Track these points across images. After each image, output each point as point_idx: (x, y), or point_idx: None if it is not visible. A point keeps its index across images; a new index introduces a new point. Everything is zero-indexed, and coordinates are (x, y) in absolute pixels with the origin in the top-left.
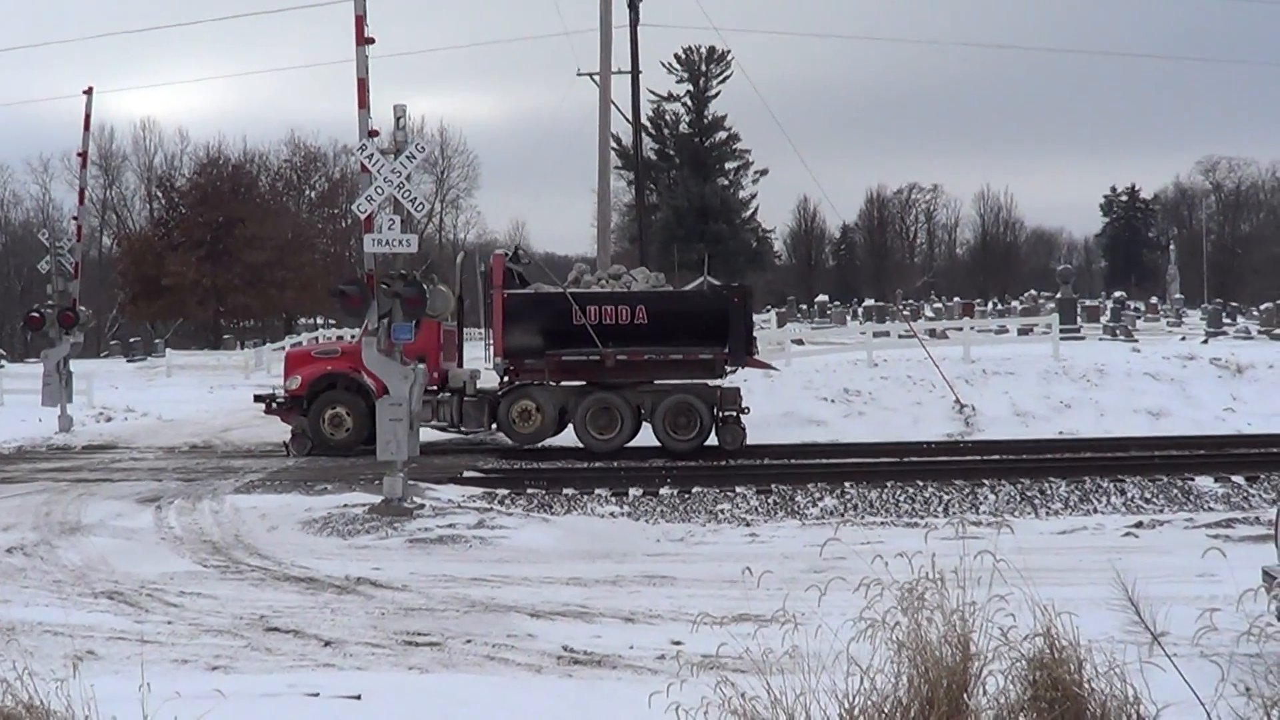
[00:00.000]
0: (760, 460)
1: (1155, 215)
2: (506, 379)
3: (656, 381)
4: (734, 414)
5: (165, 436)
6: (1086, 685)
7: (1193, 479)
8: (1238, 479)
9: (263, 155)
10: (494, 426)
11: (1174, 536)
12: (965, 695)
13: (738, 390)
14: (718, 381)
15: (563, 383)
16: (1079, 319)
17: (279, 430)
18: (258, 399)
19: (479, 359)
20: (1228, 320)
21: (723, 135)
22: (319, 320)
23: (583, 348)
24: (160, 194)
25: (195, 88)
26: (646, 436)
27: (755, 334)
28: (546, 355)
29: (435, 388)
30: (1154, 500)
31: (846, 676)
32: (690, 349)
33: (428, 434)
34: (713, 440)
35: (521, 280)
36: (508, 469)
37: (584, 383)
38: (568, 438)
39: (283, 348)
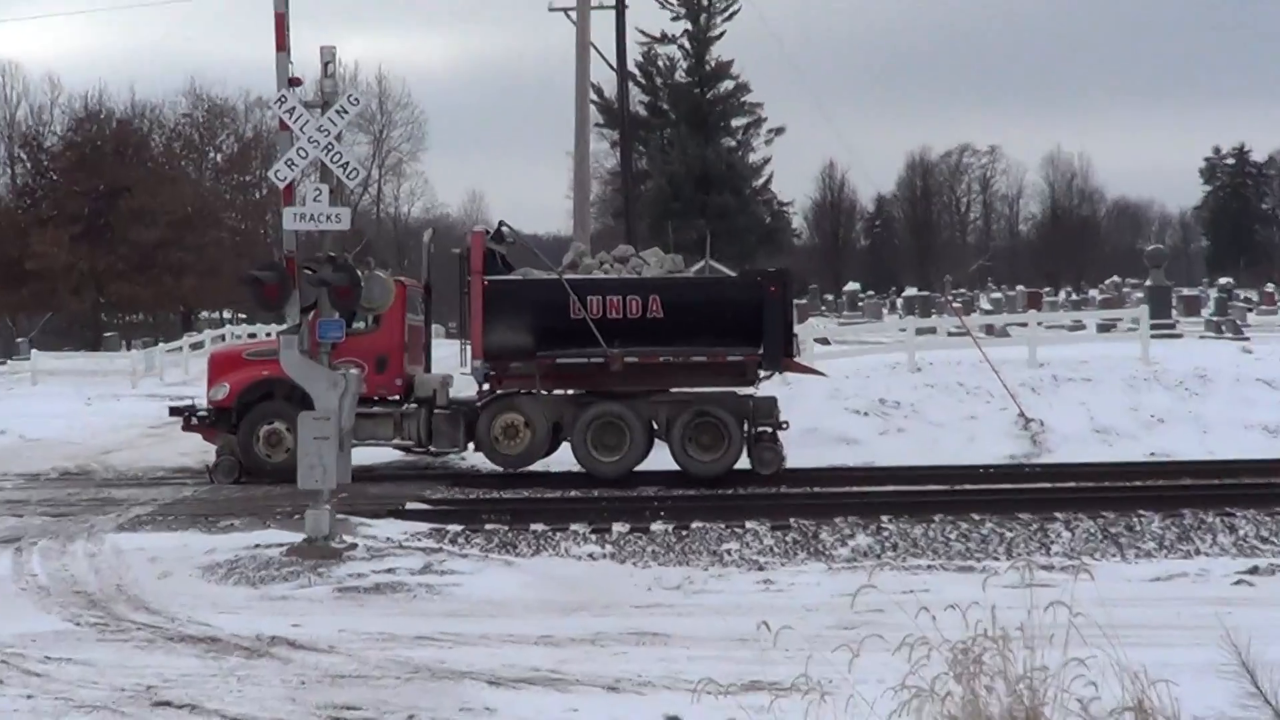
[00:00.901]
0: (776, 488)
1: (1270, 182)
2: (487, 387)
3: (673, 389)
4: (770, 430)
5: (29, 460)
6: None
7: None
8: None
9: (155, 109)
10: (471, 445)
11: None
12: None
13: (774, 400)
14: (749, 390)
15: (557, 391)
16: (1174, 312)
17: (175, 450)
18: (175, 411)
19: (449, 360)
20: None
21: (729, 85)
22: (226, 315)
23: (583, 347)
24: (24, 156)
25: (69, 23)
26: (659, 459)
27: (795, 331)
28: (538, 357)
29: (397, 398)
30: (1273, 540)
31: None
32: (716, 349)
33: (372, 455)
34: (742, 462)
35: (505, 264)
36: (461, 499)
37: (583, 391)
38: (558, 459)
39: (179, 348)
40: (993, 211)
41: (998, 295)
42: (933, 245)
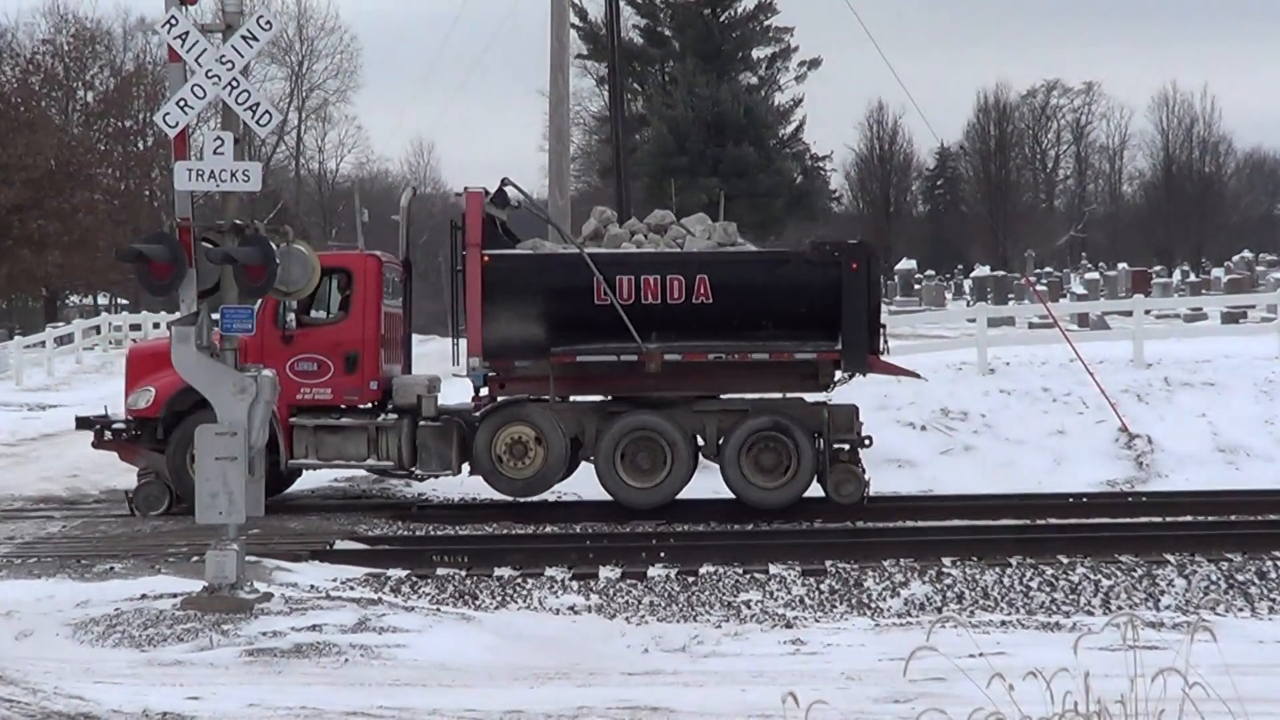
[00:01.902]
0: (807, 522)
1: None
2: (485, 392)
3: (724, 395)
4: (849, 447)
5: None
6: None
7: None
8: None
9: (6, 33)
10: (465, 466)
11: None
12: None
13: (854, 410)
14: (821, 396)
15: (576, 398)
16: None
17: (37, 473)
18: (83, 424)
19: (428, 357)
20: None
21: (748, 5)
22: (102, 300)
23: (610, 342)
24: None
25: None
26: (703, 484)
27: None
28: (552, 354)
29: (369, 405)
30: None
31: None
32: (782, 344)
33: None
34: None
35: (508, 234)
36: (406, 537)
37: (609, 397)
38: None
39: (41, 343)
40: (1088, 168)
41: (1094, 276)
42: (1009, 211)
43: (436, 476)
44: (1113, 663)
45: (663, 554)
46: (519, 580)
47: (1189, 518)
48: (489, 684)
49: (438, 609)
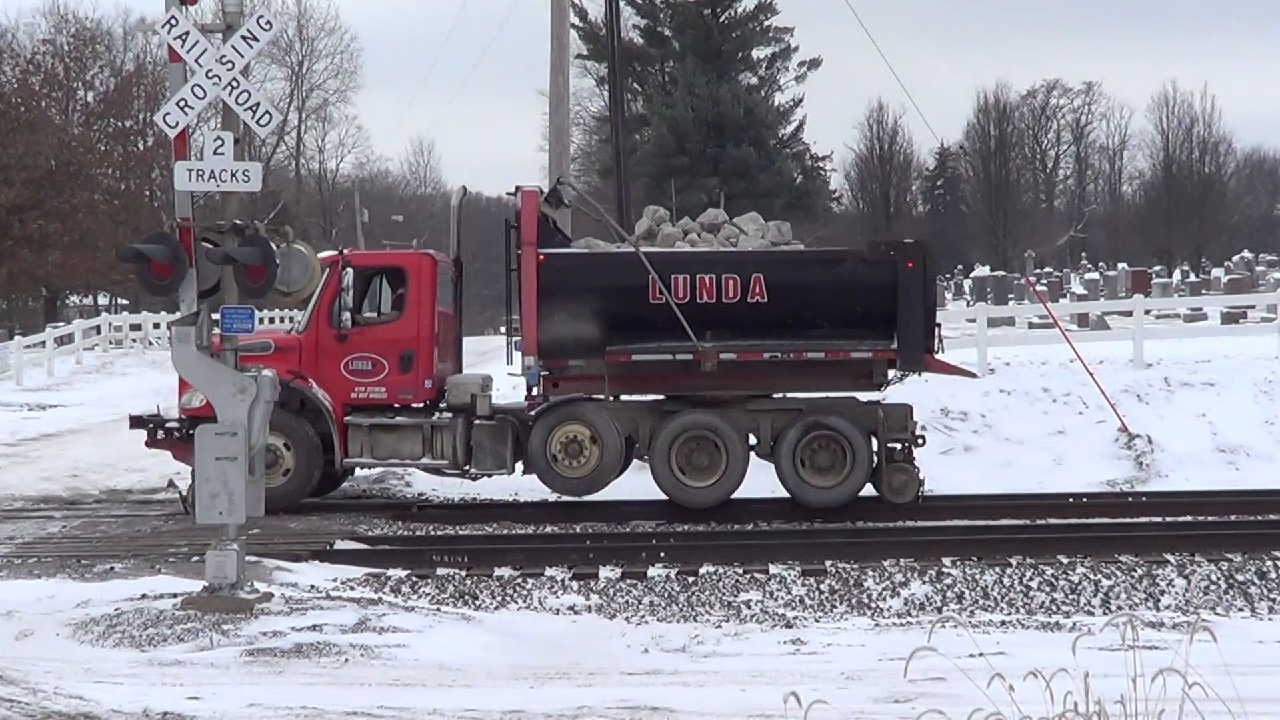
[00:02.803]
0: (807, 523)
1: None
2: (539, 391)
3: (777, 395)
4: (903, 446)
5: None
6: None
7: None
8: None
9: (7, 33)
10: (519, 465)
11: None
12: None
13: (908, 409)
14: (874, 395)
15: (627, 397)
16: None
17: (37, 473)
18: (136, 423)
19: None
20: None
21: (749, 4)
22: (102, 300)
23: (666, 341)
24: None
25: None
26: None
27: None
28: (607, 353)
29: (421, 404)
30: None
31: None
32: (838, 343)
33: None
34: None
35: (560, 233)
36: (406, 537)
37: (661, 396)
38: (529, 483)
39: (41, 343)
40: (1088, 168)
41: (1094, 276)
42: (1010, 211)
43: (490, 476)
44: (1113, 663)
45: (663, 554)
46: (519, 580)
47: (1189, 518)
48: (489, 684)
49: (438, 609)
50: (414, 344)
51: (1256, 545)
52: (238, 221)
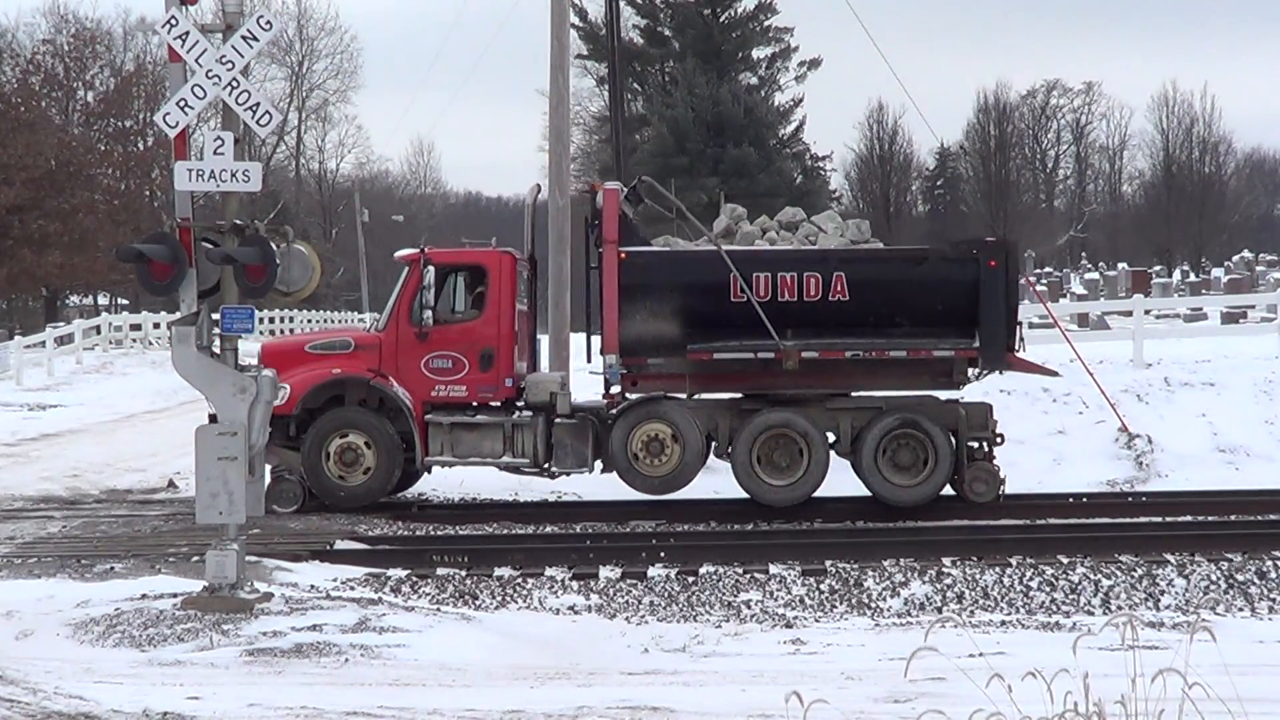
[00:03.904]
0: (807, 522)
1: None
2: (618, 390)
3: (855, 393)
4: (984, 445)
5: None
6: None
7: None
8: None
9: (7, 33)
10: (599, 464)
11: None
12: None
13: (989, 409)
14: (953, 394)
15: (706, 395)
16: None
17: (37, 473)
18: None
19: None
20: None
21: (748, 5)
22: (102, 300)
23: (747, 339)
24: None
25: None
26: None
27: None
28: (689, 352)
29: (498, 403)
30: None
31: None
32: (920, 342)
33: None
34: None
35: (630, 229)
36: (406, 536)
37: (739, 395)
38: (528, 483)
39: (41, 343)
40: (1088, 168)
41: (1094, 276)
42: (1010, 211)
43: (569, 474)
44: (1113, 663)
45: (663, 554)
46: (519, 580)
47: (1189, 518)
48: (489, 684)
49: (438, 609)
50: (495, 342)
51: (1256, 545)
52: (238, 221)
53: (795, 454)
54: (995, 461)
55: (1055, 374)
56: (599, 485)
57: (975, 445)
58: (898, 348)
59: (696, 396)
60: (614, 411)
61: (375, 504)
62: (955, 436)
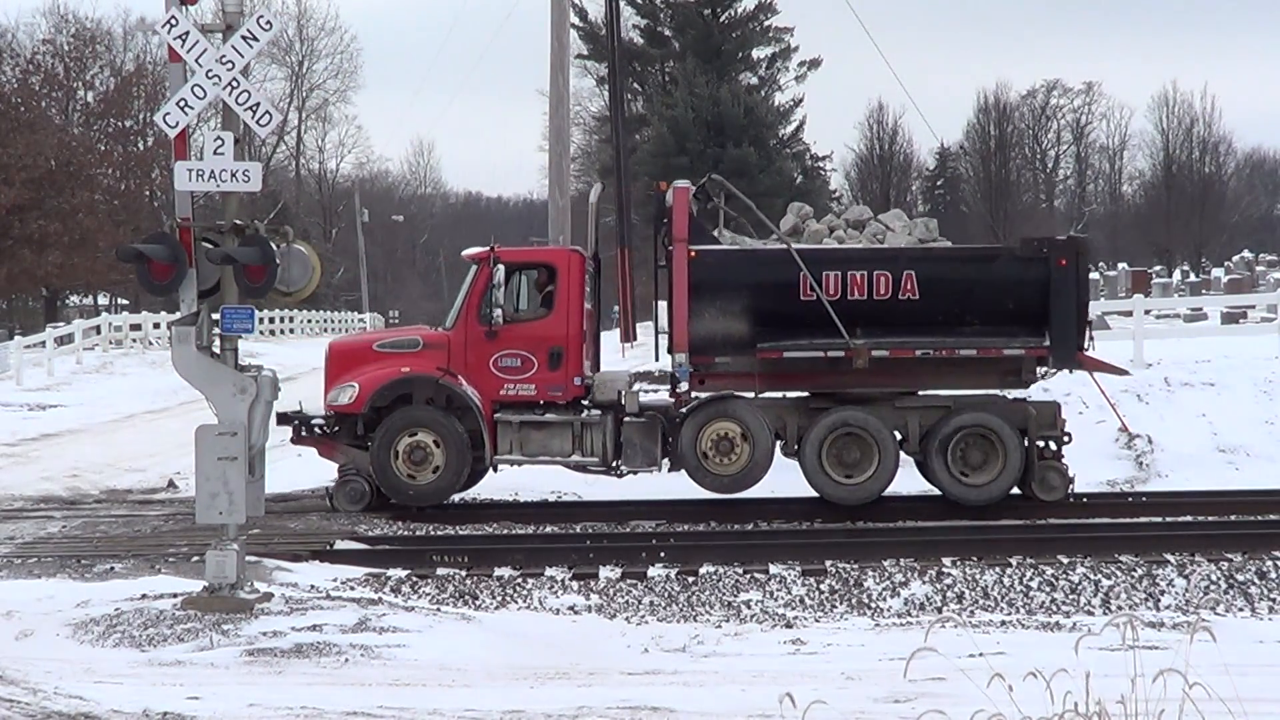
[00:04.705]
0: (807, 523)
1: None
2: (685, 389)
3: (923, 392)
4: (1052, 444)
5: None
6: None
7: None
8: None
9: (7, 33)
10: (666, 463)
11: None
12: None
13: (1057, 408)
14: (1020, 392)
15: (773, 393)
16: None
17: (38, 473)
18: (283, 419)
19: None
20: None
21: (748, 5)
22: (102, 300)
23: (817, 337)
24: None
25: None
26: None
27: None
28: (759, 350)
29: (564, 402)
30: None
31: None
32: (989, 340)
33: (289, 480)
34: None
35: (699, 227)
36: (406, 536)
37: (807, 393)
38: (528, 482)
39: (41, 343)
40: (1088, 168)
41: (1094, 276)
42: (1010, 211)
43: (636, 473)
44: (1113, 663)
45: (663, 554)
46: (519, 580)
47: (1189, 518)
48: (489, 684)
49: (438, 609)
50: (563, 341)
51: (1256, 545)
52: (238, 221)
53: (865, 453)
54: (1064, 460)
55: (1126, 372)
56: (600, 485)
57: (1046, 445)
58: (968, 346)
59: (762, 395)
60: (683, 410)
61: (376, 504)
62: (1025, 435)
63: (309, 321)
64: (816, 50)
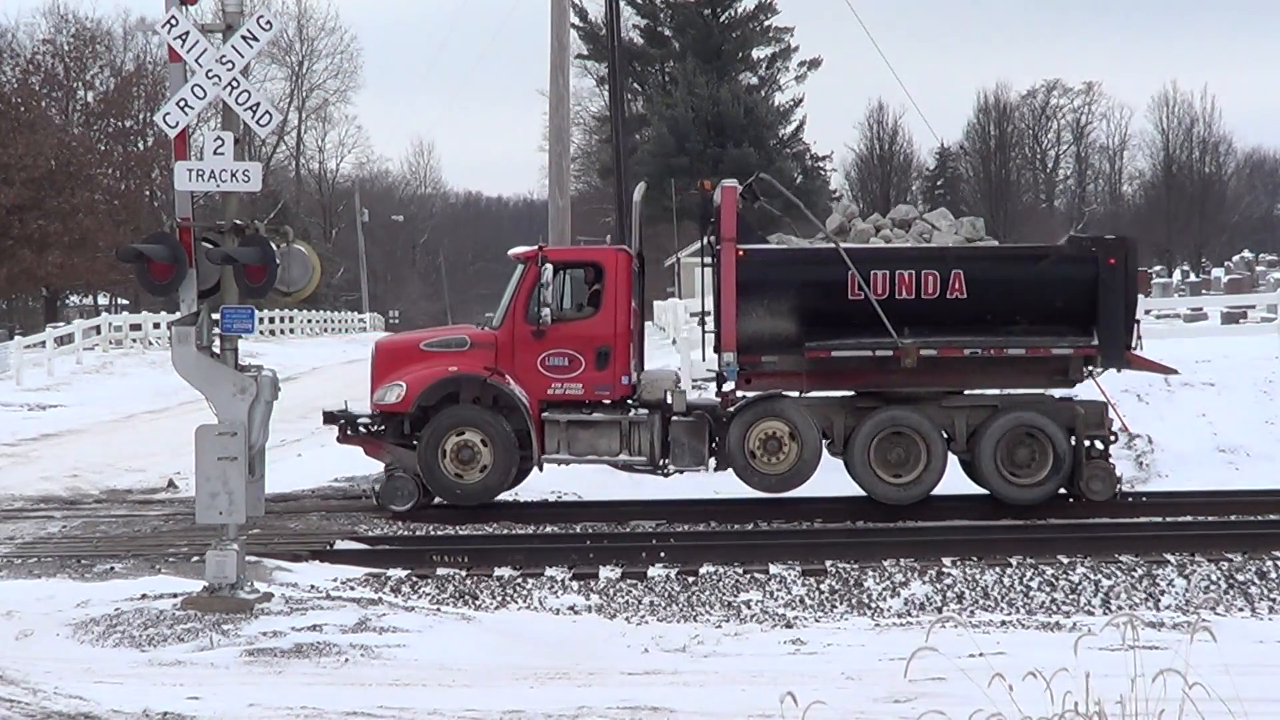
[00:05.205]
0: (807, 522)
1: None
2: (732, 388)
3: (968, 391)
4: (1100, 443)
5: None
6: None
7: None
8: None
9: (7, 33)
10: (713, 462)
11: None
12: None
13: (1105, 407)
14: (1067, 391)
15: (819, 392)
16: None
17: (37, 473)
18: (329, 419)
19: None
20: None
21: (748, 5)
22: (102, 300)
23: (865, 336)
24: None
25: None
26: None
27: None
28: (807, 349)
29: (610, 401)
30: None
31: None
32: (1037, 340)
33: (290, 480)
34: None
35: (747, 226)
36: (406, 537)
37: (852, 392)
38: (529, 483)
39: (41, 343)
40: (1088, 168)
41: None
42: (1010, 211)
43: (683, 472)
44: (1113, 663)
45: (663, 554)
46: (519, 580)
47: (1189, 518)
48: (489, 684)
49: (438, 609)
50: (611, 340)
51: (1256, 545)
52: (238, 221)
53: (913, 452)
54: (1111, 460)
55: (1174, 371)
56: (600, 486)
57: (1093, 445)
58: (1016, 345)
59: (808, 394)
60: (730, 409)
61: (376, 505)
62: (1072, 435)
63: (309, 321)
64: (816, 50)
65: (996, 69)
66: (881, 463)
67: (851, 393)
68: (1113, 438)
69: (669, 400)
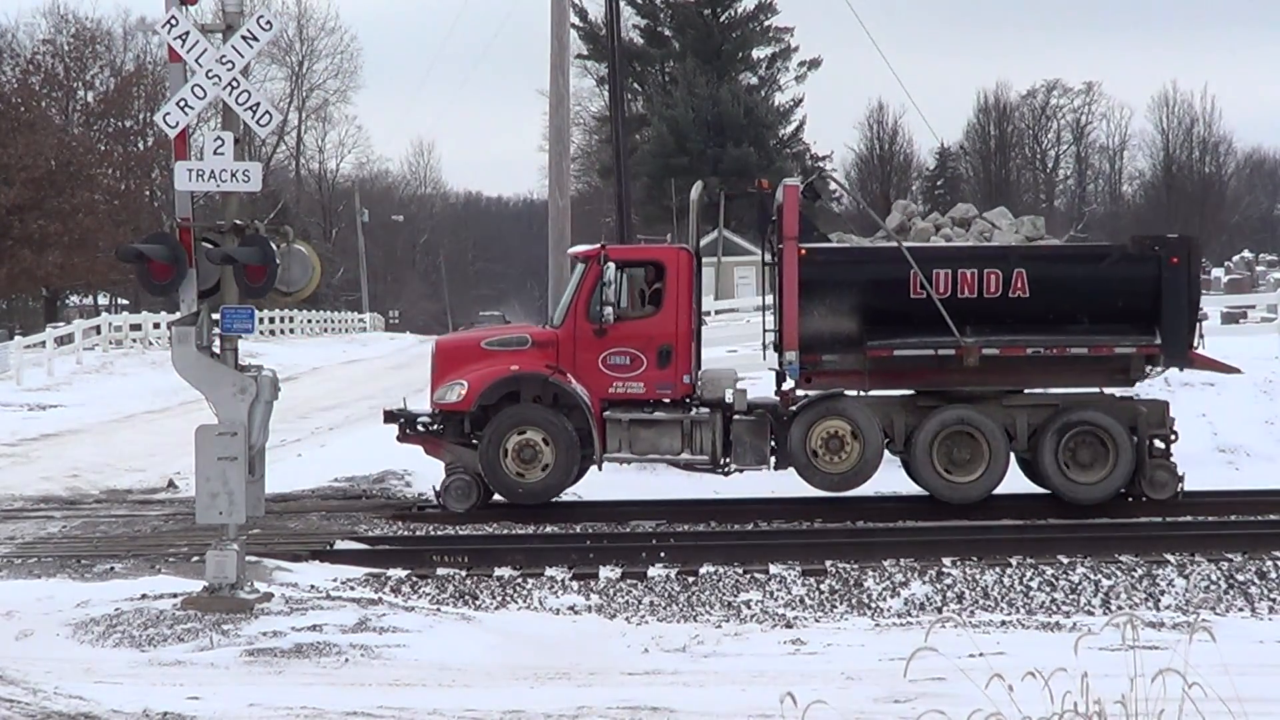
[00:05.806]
0: (807, 523)
1: None
2: (791, 387)
3: (1027, 390)
4: (1162, 442)
5: None
6: None
7: None
8: None
9: (7, 33)
10: (774, 461)
11: None
12: None
13: (1166, 405)
14: (1128, 390)
15: (881, 391)
16: None
17: (37, 473)
18: (389, 418)
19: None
20: None
21: (748, 5)
22: (102, 300)
23: (927, 336)
24: None
25: None
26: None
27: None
28: (869, 348)
29: (671, 400)
30: None
31: None
32: (1099, 339)
33: (290, 480)
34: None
35: (809, 225)
36: (406, 537)
37: (914, 391)
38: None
39: (41, 343)
40: (1088, 168)
41: None
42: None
43: (743, 471)
44: (1113, 663)
45: (663, 554)
46: (519, 580)
47: (1189, 518)
48: (489, 684)
49: (438, 609)
50: (672, 339)
51: (1256, 545)
52: (238, 221)
53: (975, 451)
54: (1172, 458)
55: (1238, 370)
56: (600, 485)
57: (1155, 442)
58: (1079, 345)
59: (869, 393)
60: (792, 408)
61: (374, 504)
62: (1134, 434)
63: (309, 321)
64: (816, 50)
65: (996, 69)
66: (945, 461)
67: (911, 392)
68: (1174, 437)
69: (728, 399)
